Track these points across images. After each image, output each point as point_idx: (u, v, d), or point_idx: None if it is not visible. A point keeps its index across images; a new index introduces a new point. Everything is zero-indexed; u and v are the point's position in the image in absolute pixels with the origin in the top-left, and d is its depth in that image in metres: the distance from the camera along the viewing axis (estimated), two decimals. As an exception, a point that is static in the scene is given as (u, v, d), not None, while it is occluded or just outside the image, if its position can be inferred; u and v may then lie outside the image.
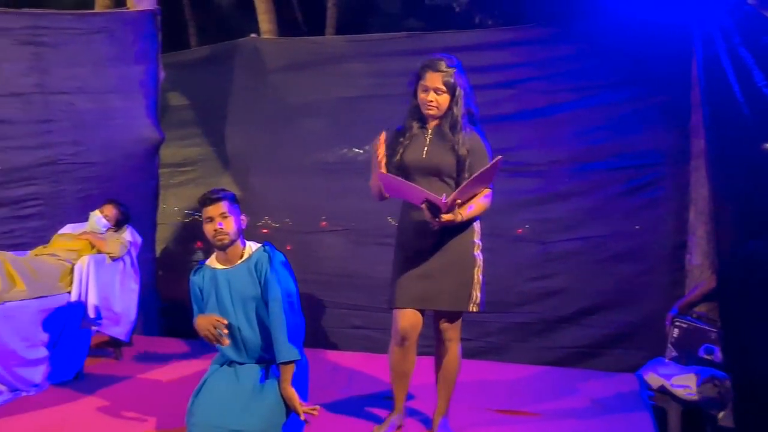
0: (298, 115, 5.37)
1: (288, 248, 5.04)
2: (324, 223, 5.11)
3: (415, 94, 2.87)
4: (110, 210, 4.28)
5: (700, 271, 4.20)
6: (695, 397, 3.22)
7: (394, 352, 2.93)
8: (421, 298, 2.83)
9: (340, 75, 5.22)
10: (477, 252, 2.88)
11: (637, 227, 4.45)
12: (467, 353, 4.39)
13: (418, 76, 2.83)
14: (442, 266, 2.81)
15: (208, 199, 2.77)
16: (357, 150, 5.06)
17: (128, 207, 4.40)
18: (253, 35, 5.88)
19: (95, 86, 4.76)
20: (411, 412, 3.17)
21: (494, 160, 2.69)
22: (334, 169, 5.07)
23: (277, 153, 5.33)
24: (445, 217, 2.64)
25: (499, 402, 3.47)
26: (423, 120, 2.88)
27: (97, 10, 6.45)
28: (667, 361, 3.54)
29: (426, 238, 2.80)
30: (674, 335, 3.61)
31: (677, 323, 3.63)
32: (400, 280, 2.86)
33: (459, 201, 2.66)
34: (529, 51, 4.75)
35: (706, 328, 3.55)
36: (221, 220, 2.74)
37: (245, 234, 2.89)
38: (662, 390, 3.34)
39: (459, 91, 2.80)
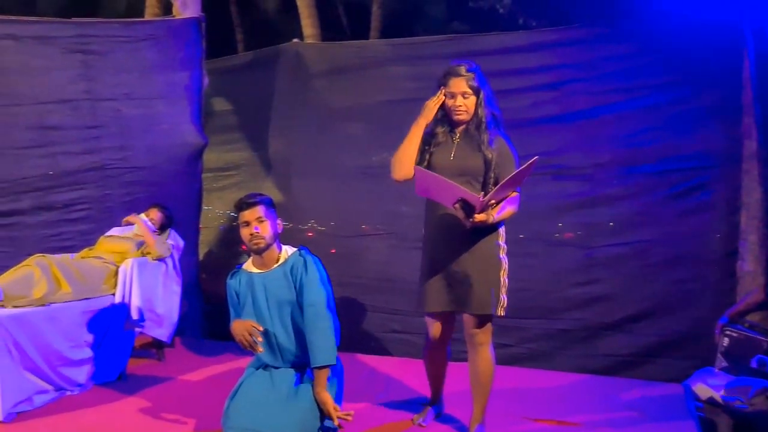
0: (340, 119, 5.39)
1: (332, 252, 5.07)
2: (365, 227, 5.10)
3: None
4: (155, 214, 4.36)
5: (752, 278, 4.04)
6: (747, 410, 3.09)
7: (429, 355, 3.06)
8: (450, 301, 2.89)
9: (383, 79, 5.21)
10: (503, 255, 2.93)
11: (684, 232, 4.30)
12: (507, 359, 4.40)
13: (442, 85, 2.92)
14: (469, 270, 2.85)
15: (244, 204, 2.79)
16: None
17: (172, 211, 4.47)
18: (295, 40, 5.92)
19: (141, 92, 4.87)
20: (447, 419, 3.14)
21: (531, 161, 2.68)
22: (375, 173, 5.05)
23: (319, 157, 5.35)
24: (478, 217, 2.68)
25: (538, 411, 3.40)
26: (450, 126, 2.96)
27: (147, 17, 6.63)
28: (716, 371, 3.40)
29: (453, 242, 2.85)
30: (724, 345, 3.47)
31: (727, 332, 3.49)
32: (428, 283, 2.92)
33: (493, 202, 2.70)
34: (574, 52, 4.66)
35: (759, 337, 3.40)
36: (257, 225, 2.76)
37: (282, 238, 2.91)
38: (711, 401, 3.20)
39: (482, 94, 2.90)
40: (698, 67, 4.25)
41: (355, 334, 4.91)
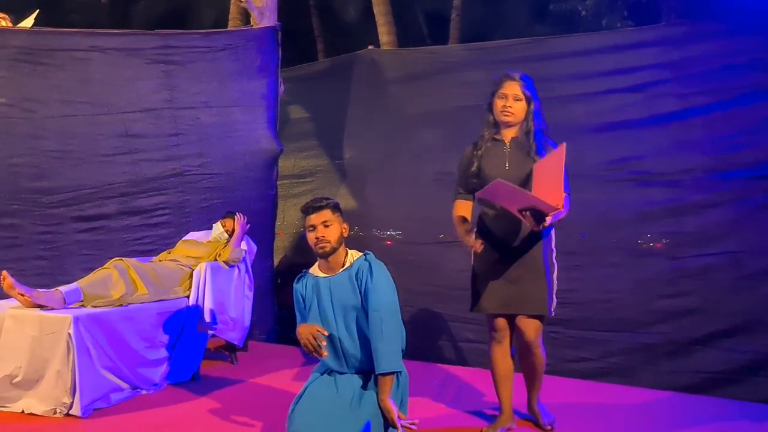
0: (415, 125, 5.37)
1: (408, 259, 5.03)
2: (442, 236, 5.02)
3: (490, 108, 3.06)
4: (230, 224, 4.44)
5: None
6: None
7: (494, 352, 3.09)
8: (506, 303, 2.96)
9: (459, 84, 5.15)
10: (554, 258, 3.03)
11: None
12: (588, 374, 4.26)
13: (494, 90, 3.03)
14: (523, 272, 2.94)
15: (310, 208, 2.78)
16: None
17: (247, 214, 4.54)
18: (370, 47, 5.95)
19: (219, 101, 5.03)
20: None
21: (560, 146, 2.76)
22: (451, 180, 4.99)
23: (395, 163, 5.35)
24: (548, 221, 2.75)
25: (616, 427, 3.22)
26: (497, 129, 3.05)
27: (230, 27, 6.83)
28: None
29: (507, 246, 2.95)
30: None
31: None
32: (485, 285, 3.01)
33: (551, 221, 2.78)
34: (658, 52, 4.48)
35: None
36: (323, 229, 2.75)
37: (357, 245, 2.92)
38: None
39: (533, 104, 2.99)
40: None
41: (429, 342, 4.88)
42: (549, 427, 3.10)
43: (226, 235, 4.41)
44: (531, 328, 2.96)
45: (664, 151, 4.38)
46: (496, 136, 3.03)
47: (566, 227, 4.29)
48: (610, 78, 4.58)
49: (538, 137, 2.98)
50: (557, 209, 2.70)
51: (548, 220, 2.74)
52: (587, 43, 4.86)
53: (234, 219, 4.44)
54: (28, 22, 5.38)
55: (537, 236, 2.93)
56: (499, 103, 2.99)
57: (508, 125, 3.01)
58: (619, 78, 4.56)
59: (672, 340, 4.21)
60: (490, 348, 3.10)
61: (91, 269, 3.86)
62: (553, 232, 3.05)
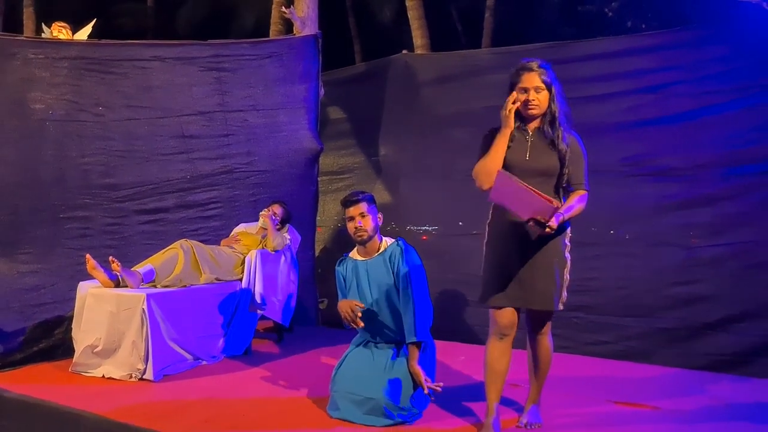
0: (446, 125, 5.65)
1: (441, 251, 5.35)
2: (476, 232, 5.31)
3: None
4: (277, 208, 4.87)
5: None
6: None
7: (493, 349, 2.96)
8: (518, 297, 2.90)
9: (487, 85, 5.39)
10: (567, 253, 2.96)
11: None
12: (606, 355, 4.48)
13: (514, 82, 2.90)
14: (537, 268, 2.88)
15: (349, 201, 3.21)
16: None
17: (290, 207, 4.98)
18: (404, 51, 6.30)
19: (265, 104, 5.44)
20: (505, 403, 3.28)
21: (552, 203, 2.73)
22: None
23: (427, 161, 5.66)
24: (551, 226, 2.71)
25: (622, 395, 3.49)
26: (522, 121, 2.94)
27: (271, 33, 7.27)
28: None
29: (521, 240, 2.86)
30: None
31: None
32: (497, 279, 2.93)
33: (565, 217, 2.76)
34: (676, 55, 4.71)
35: None
36: (360, 219, 3.17)
37: (385, 235, 3.30)
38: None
39: (554, 89, 2.88)
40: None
41: (459, 325, 5.17)
42: (523, 425, 3.04)
43: (274, 218, 4.76)
44: (540, 322, 2.98)
45: (679, 148, 4.60)
46: (521, 126, 2.92)
47: (586, 220, 4.60)
48: (631, 79, 4.82)
49: (563, 124, 2.90)
50: (556, 208, 2.68)
51: (553, 221, 2.69)
52: (610, 46, 5.10)
53: (279, 205, 4.84)
54: (85, 31, 5.76)
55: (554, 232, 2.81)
56: (522, 97, 2.86)
57: (533, 117, 2.92)
58: (638, 79, 4.79)
59: (685, 324, 4.44)
60: (489, 343, 2.98)
61: (150, 256, 4.33)
62: (569, 228, 2.99)
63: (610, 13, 7.37)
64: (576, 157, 2.92)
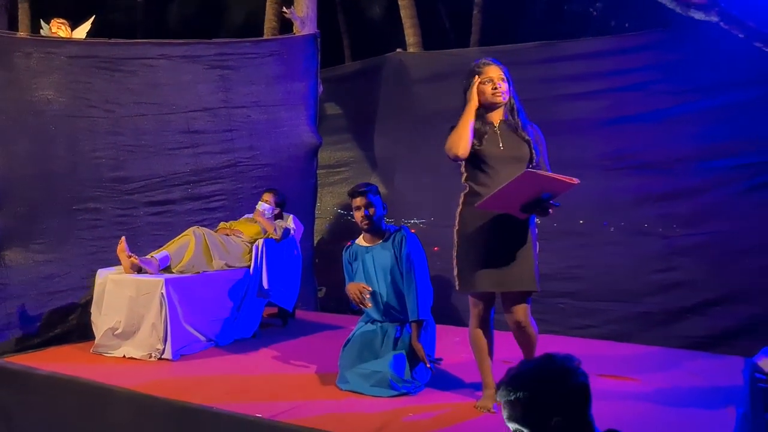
0: (438, 121, 5.73)
1: (433, 242, 5.59)
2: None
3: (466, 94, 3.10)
4: (270, 197, 5.07)
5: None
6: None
7: (476, 331, 3.13)
8: (498, 282, 2.99)
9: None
10: (536, 232, 3.11)
11: (760, 222, 4.48)
12: (591, 337, 4.72)
13: (476, 75, 3.06)
14: (512, 251, 2.98)
15: (356, 192, 3.49)
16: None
17: (285, 195, 5.17)
18: (398, 50, 6.55)
19: (267, 100, 5.67)
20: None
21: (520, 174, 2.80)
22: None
23: (420, 156, 5.88)
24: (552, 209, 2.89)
25: (606, 369, 3.73)
26: (485, 112, 3.06)
27: (265, 30, 7.46)
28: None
29: (494, 225, 2.98)
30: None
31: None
32: (473, 266, 3.01)
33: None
34: (656, 54, 4.93)
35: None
36: (366, 208, 3.44)
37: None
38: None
39: (511, 86, 3.07)
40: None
41: (451, 311, 5.41)
42: None
43: (267, 206, 4.97)
44: (522, 303, 3.03)
45: (659, 143, 4.84)
46: (486, 120, 3.04)
47: (572, 211, 4.87)
48: (614, 77, 5.05)
49: (521, 114, 3.08)
50: (574, 183, 2.77)
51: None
52: (596, 45, 5.34)
53: (271, 194, 5.04)
54: (84, 28, 5.88)
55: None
56: (488, 87, 3.00)
57: (497, 106, 3.03)
58: (621, 77, 5.02)
59: (665, 309, 4.70)
60: (474, 326, 3.11)
61: (159, 246, 4.58)
62: None
63: (595, 13, 7.64)
64: (541, 145, 3.13)
